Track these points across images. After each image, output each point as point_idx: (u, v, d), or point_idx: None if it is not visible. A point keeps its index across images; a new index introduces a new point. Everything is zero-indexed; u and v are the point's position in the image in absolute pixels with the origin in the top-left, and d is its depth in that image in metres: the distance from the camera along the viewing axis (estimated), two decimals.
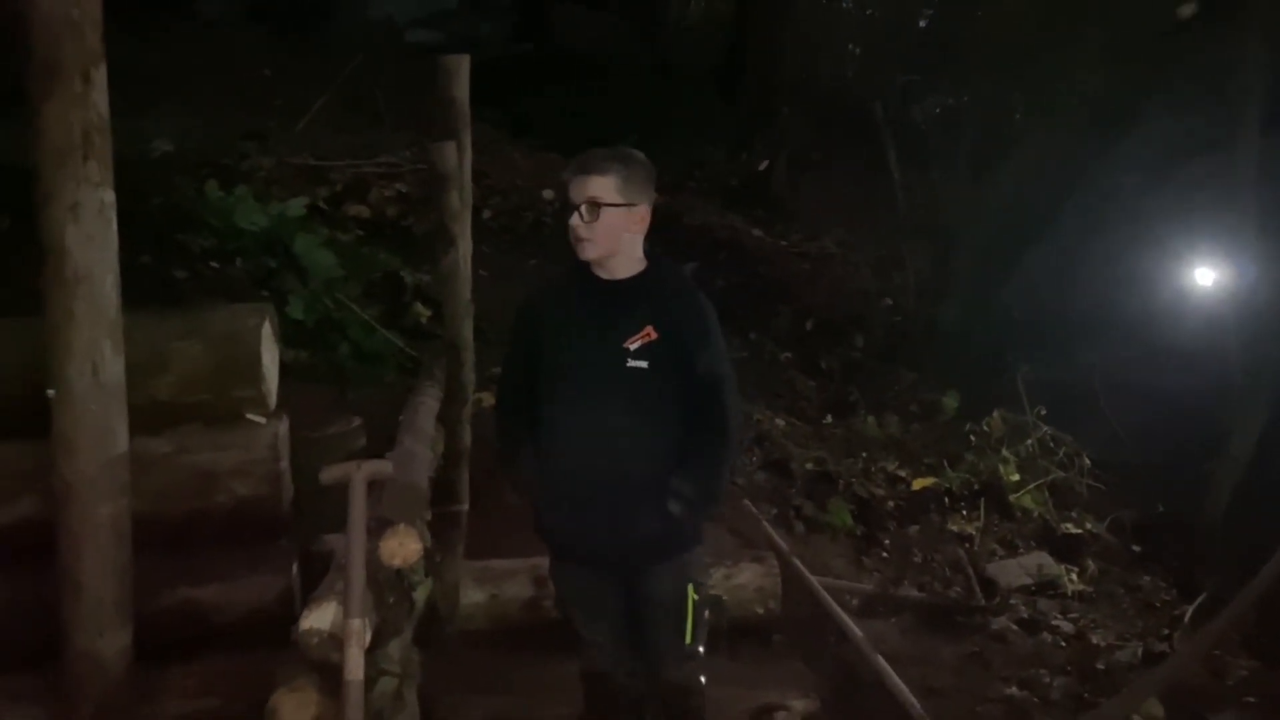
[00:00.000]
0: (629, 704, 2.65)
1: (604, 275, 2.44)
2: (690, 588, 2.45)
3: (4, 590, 2.52)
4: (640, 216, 2.41)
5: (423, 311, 4.49)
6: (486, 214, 5.86)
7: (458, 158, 3.08)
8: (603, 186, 2.37)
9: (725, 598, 3.44)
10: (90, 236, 2.32)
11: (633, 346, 2.36)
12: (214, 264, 4.09)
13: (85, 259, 2.32)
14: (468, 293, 3.26)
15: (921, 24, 8.99)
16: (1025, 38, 5.83)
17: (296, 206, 4.37)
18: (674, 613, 2.47)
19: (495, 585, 3.40)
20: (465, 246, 3.22)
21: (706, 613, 2.49)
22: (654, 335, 2.36)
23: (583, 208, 2.36)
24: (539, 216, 6.43)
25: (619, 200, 2.37)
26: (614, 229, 2.38)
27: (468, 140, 3.17)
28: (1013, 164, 5.54)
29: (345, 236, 4.75)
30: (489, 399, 4.49)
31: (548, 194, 6.65)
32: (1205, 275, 4.68)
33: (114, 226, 2.37)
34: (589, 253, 2.39)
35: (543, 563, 3.50)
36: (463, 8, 10.19)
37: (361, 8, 9.49)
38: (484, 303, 3.61)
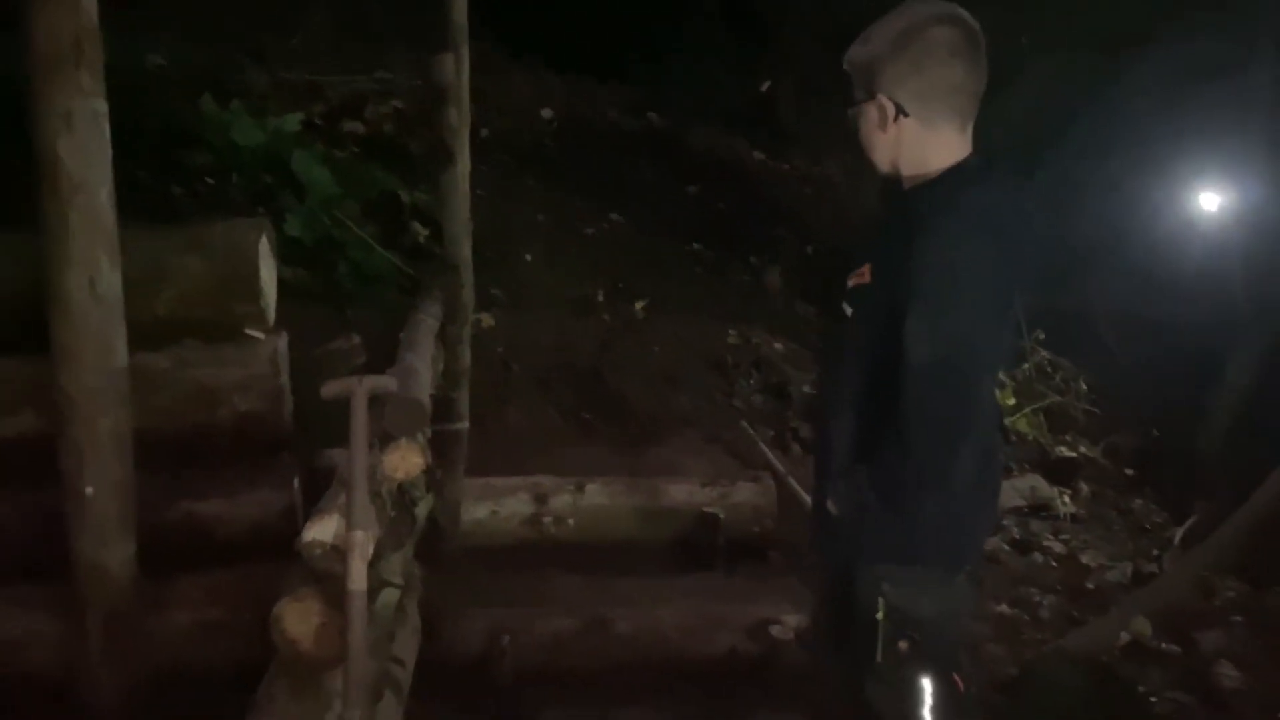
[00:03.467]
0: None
1: (902, 185, 1.92)
2: (880, 602, 1.89)
3: (10, 502, 2.55)
4: (880, 113, 1.83)
5: (421, 231, 4.45)
6: (485, 133, 5.77)
7: (456, 71, 3.01)
8: (850, 80, 1.88)
9: (722, 515, 3.49)
10: (84, 146, 2.29)
11: (850, 283, 1.88)
12: (210, 180, 4.05)
13: (79, 169, 2.30)
14: (466, 212, 3.22)
15: None
16: None
17: (293, 121, 4.30)
18: (865, 622, 1.93)
19: (496, 502, 3.44)
20: (464, 164, 3.17)
21: (905, 644, 1.87)
22: (867, 277, 1.85)
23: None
24: (539, 137, 6.34)
25: (860, 96, 1.87)
26: (865, 135, 1.88)
27: (465, 54, 3.09)
28: (1020, 89, 5.45)
29: (342, 154, 4.68)
30: (488, 320, 4.50)
31: (547, 114, 6.55)
32: (1211, 200, 4.64)
33: (107, 137, 2.34)
34: (875, 166, 1.92)
35: (544, 480, 3.56)
36: None
37: None
38: (482, 224, 3.58)
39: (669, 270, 5.42)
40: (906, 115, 1.82)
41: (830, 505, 1.90)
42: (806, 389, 4.56)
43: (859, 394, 1.86)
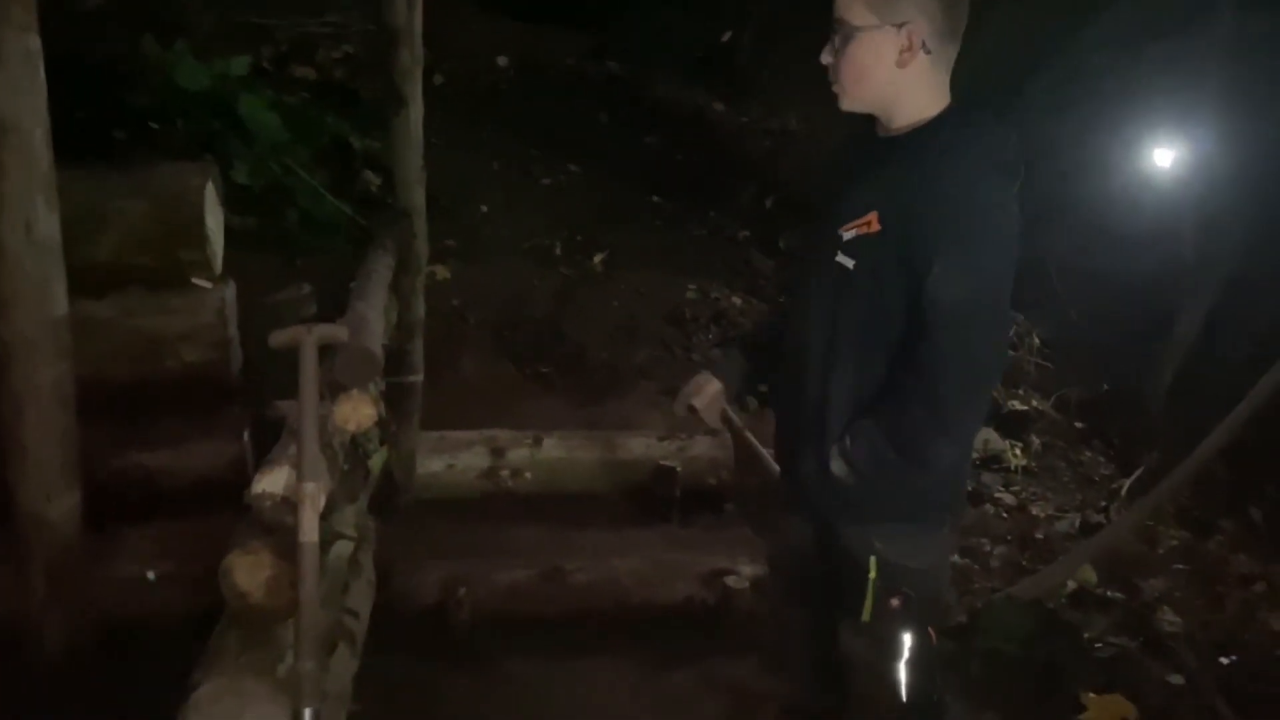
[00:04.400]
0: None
1: (881, 131, 1.79)
2: (872, 560, 1.84)
3: None
4: (908, 42, 1.68)
5: (373, 179, 4.36)
6: (439, 79, 5.65)
7: (408, 12, 2.93)
8: (850, 2, 1.69)
9: (679, 468, 3.49)
10: (16, 85, 2.20)
11: (846, 235, 1.74)
12: (154, 124, 3.92)
13: (12, 108, 2.21)
14: (419, 159, 3.15)
15: None
16: None
17: (240, 65, 4.16)
18: (851, 580, 1.87)
19: (452, 455, 3.41)
20: (417, 110, 3.09)
21: (898, 600, 1.84)
22: (874, 226, 1.71)
23: (833, 36, 1.73)
24: (495, 84, 6.22)
25: (870, 21, 1.68)
26: (864, 65, 1.70)
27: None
28: (976, 41, 5.42)
29: (291, 99, 4.56)
30: (443, 271, 4.43)
31: (502, 60, 6.42)
32: (1164, 156, 4.68)
33: (42, 75, 2.24)
34: (843, 102, 1.76)
35: (500, 433, 3.53)
36: None
37: None
38: (436, 171, 3.50)
39: (628, 222, 5.37)
40: (928, 52, 1.70)
41: (835, 467, 1.79)
42: None
43: (865, 347, 1.77)
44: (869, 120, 1.81)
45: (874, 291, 1.73)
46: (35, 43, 2.19)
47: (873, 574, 1.84)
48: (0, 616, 2.43)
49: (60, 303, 2.32)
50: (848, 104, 1.77)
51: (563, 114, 6.09)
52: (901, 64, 1.70)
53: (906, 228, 1.68)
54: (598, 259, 5.00)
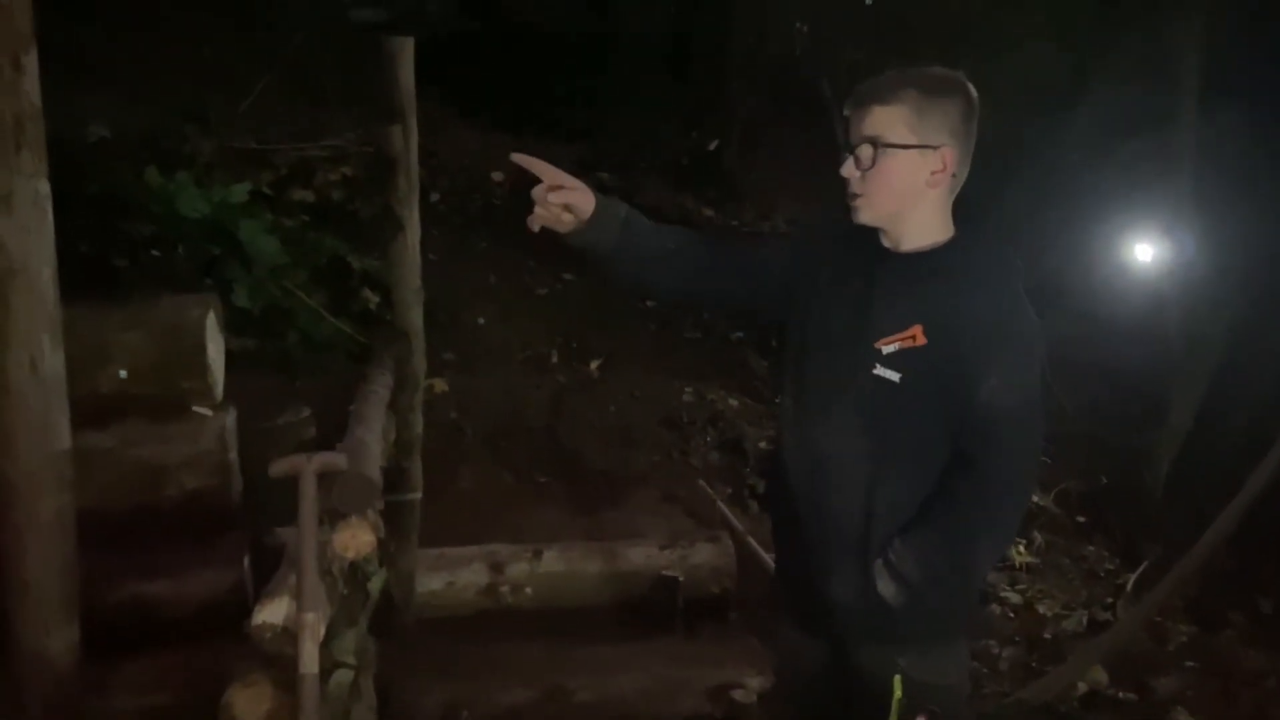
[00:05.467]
0: None
1: (887, 243, 1.82)
2: (897, 680, 1.70)
3: None
4: (942, 164, 1.74)
5: (371, 297, 4.43)
6: (435, 196, 5.81)
7: (404, 141, 3.03)
8: (888, 121, 1.73)
9: (681, 578, 3.47)
10: (25, 228, 2.26)
11: (886, 349, 1.74)
12: (155, 252, 4.00)
13: (20, 251, 2.26)
14: (417, 278, 3.23)
15: (867, 1, 9.03)
16: (968, 14, 5.88)
17: (240, 191, 4.28)
18: (871, 701, 1.79)
19: (451, 572, 3.39)
20: (414, 231, 3.18)
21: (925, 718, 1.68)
22: (919, 340, 1.73)
23: (858, 150, 1.75)
24: (489, 199, 6.38)
25: (910, 140, 1.72)
26: (900, 182, 1.74)
27: (414, 123, 3.12)
28: None
29: (290, 222, 4.66)
30: (440, 385, 4.48)
31: (497, 176, 6.60)
32: (1145, 251, 4.78)
33: (50, 217, 2.31)
34: (863, 214, 1.78)
35: (499, 548, 3.52)
36: None
37: None
38: (433, 288, 3.58)
39: (622, 328, 5.45)
40: (954, 175, 1.77)
41: (882, 585, 1.76)
42: (763, 445, 4.58)
43: (911, 461, 1.76)
44: (858, 226, 1.83)
45: (922, 403, 1.73)
46: (44, 187, 2.27)
47: (898, 694, 1.73)
48: None
49: (63, 436, 2.34)
50: (868, 217, 1.80)
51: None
52: (932, 184, 1.76)
53: (955, 344, 1.72)
54: (593, 365, 5.05)
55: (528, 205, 1.85)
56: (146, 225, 4.06)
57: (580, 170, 6.52)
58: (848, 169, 1.78)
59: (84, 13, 6.20)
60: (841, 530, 1.81)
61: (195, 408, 2.62)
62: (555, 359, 5.06)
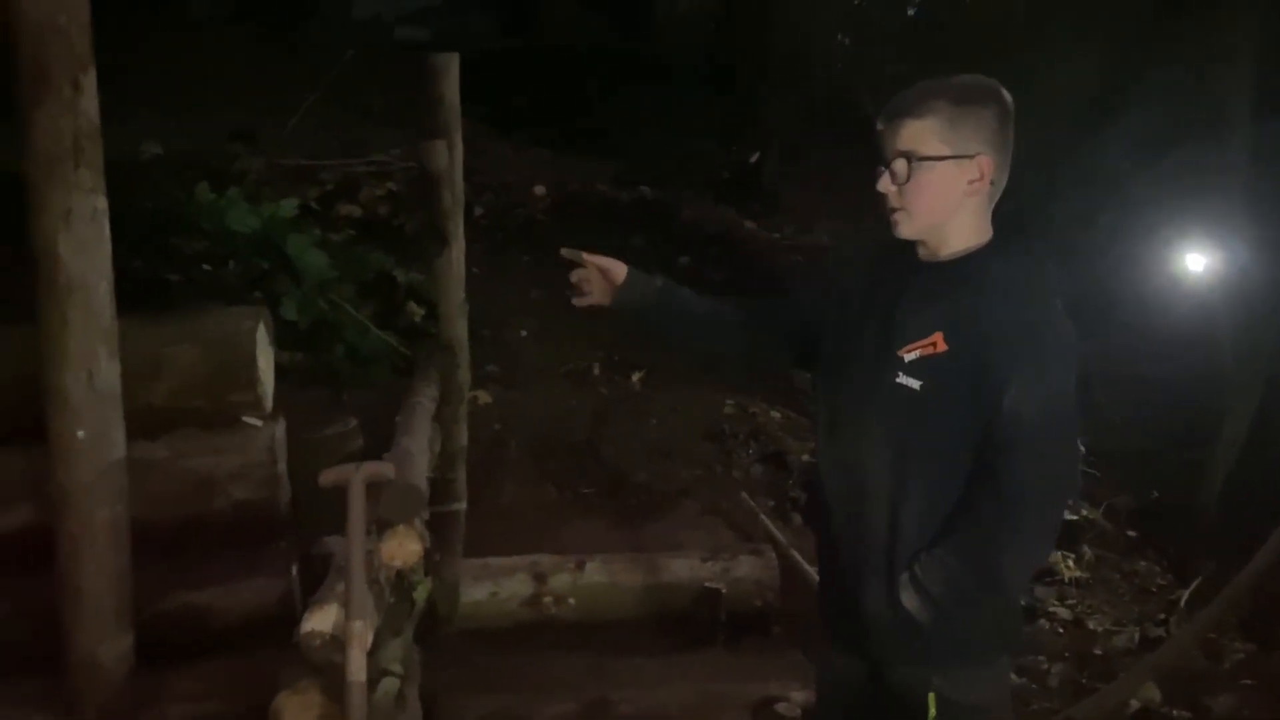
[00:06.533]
0: None
1: (924, 255, 1.81)
2: (931, 698, 1.77)
3: (7, 596, 2.52)
4: (979, 173, 1.73)
5: (416, 311, 4.49)
6: (478, 211, 5.86)
7: (448, 157, 3.08)
8: (921, 134, 1.73)
9: (724, 590, 3.46)
10: (83, 244, 2.32)
11: (908, 357, 1.73)
12: (206, 267, 4.08)
13: (78, 266, 2.32)
14: (461, 292, 3.26)
15: (910, 12, 8.99)
16: (1012, 24, 5.83)
17: (288, 207, 4.36)
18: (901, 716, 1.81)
19: (494, 583, 3.41)
20: (458, 245, 3.22)
21: None
22: (940, 347, 1.71)
23: (893, 164, 1.75)
24: (531, 213, 6.43)
25: (944, 151, 1.72)
26: (937, 193, 1.74)
27: (458, 139, 3.16)
28: None
29: (337, 236, 4.75)
30: (484, 398, 4.51)
31: (539, 190, 6.65)
32: (1196, 261, 4.70)
33: (106, 233, 2.37)
34: (903, 228, 1.78)
35: (543, 559, 3.53)
36: (450, 4, 10.17)
37: (349, 5, 9.46)
38: (477, 301, 3.62)
39: (664, 341, 5.45)
40: (992, 183, 1.76)
41: (906, 599, 1.73)
42: (806, 458, 4.56)
43: (935, 471, 1.74)
44: (896, 241, 1.84)
45: (943, 412, 1.72)
46: (102, 203, 2.33)
47: (932, 713, 1.76)
48: None
49: (118, 447, 2.39)
50: (909, 231, 1.80)
51: (598, 238, 6.23)
52: (970, 193, 1.75)
53: (976, 351, 1.69)
54: (635, 378, 5.06)
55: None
56: (198, 241, 4.15)
57: (621, 185, 6.56)
58: (884, 184, 1.78)
59: (138, 35, 6.37)
60: (870, 543, 1.80)
61: (245, 419, 2.67)
62: (597, 372, 5.08)
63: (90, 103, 2.32)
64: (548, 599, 3.42)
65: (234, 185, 4.51)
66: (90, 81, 2.32)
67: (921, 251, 1.83)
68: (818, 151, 8.32)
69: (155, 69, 6.38)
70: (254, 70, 7.11)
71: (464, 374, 3.28)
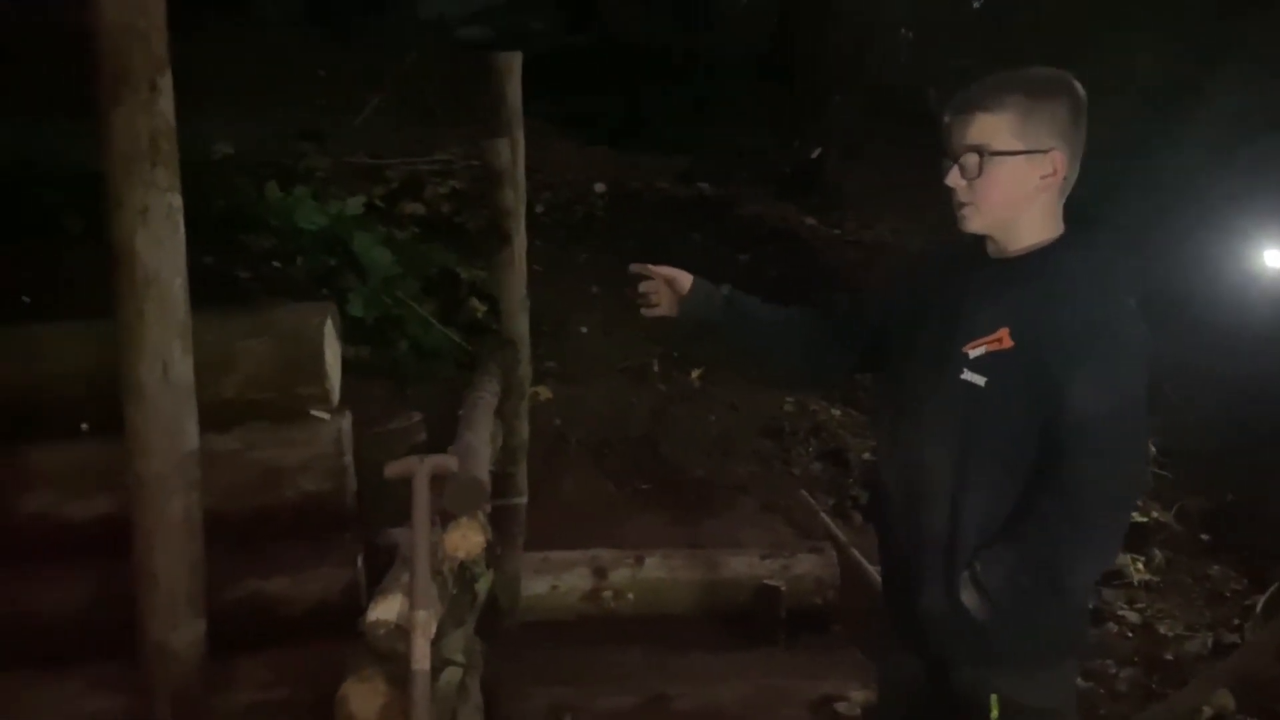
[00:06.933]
0: None
1: (993, 251, 1.79)
2: (993, 699, 1.75)
3: (86, 583, 2.61)
4: (1052, 168, 1.70)
5: (478, 307, 4.54)
6: (539, 209, 5.90)
7: (511, 155, 3.11)
8: (993, 128, 1.70)
9: (783, 588, 3.45)
10: (159, 240, 2.38)
11: (973, 353, 1.71)
12: (275, 263, 4.18)
13: (154, 262, 2.39)
14: (523, 288, 3.30)
15: (975, 5, 8.85)
16: (1081, 17, 5.71)
17: (355, 205, 4.45)
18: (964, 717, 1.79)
19: (555, 576, 3.44)
20: (520, 243, 3.26)
21: None
22: (1006, 343, 1.69)
23: (963, 159, 1.72)
24: (591, 210, 6.46)
25: (1017, 146, 1.70)
26: (1009, 189, 1.71)
27: (520, 137, 3.20)
28: None
29: (401, 234, 4.82)
30: (544, 393, 4.55)
31: (599, 187, 6.68)
32: (1275, 257, 4.56)
33: (181, 230, 2.43)
34: (971, 223, 1.75)
35: (603, 554, 3.55)
36: (513, 3, 10.26)
37: (413, 5, 9.60)
38: (538, 297, 3.65)
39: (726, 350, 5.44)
40: (1065, 177, 1.74)
41: (966, 597, 1.71)
42: (867, 456, 4.52)
43: (998, 469, 1.71)
44: (964, 236, 1.82)
45: (1008, 409, 1.69)
46: (177, 200, 2.39)
47: (994, 714, 1.74)
48: None
49: (192, 439, 2.45)
50: (977, 226, 1.77)
51: (657, 235, 6.27)
52: (1042, 189, 1.73)
53: (1042, 347, 1.67)
54: (694, 375, 5.06)
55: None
56: (267, 238, 4.24)
57: (680, 182, 6.57)
58: (953, 178, 1.75)
59: (209, 36, 6.53)
60: (930, 541, 1.78)
61: (313, 412, 2.72)
62: (656, 368, 5.08)
63: (166, 103, 2.38)
64: (607, 593, 3.44)
65: (302, 184, 4.61)
66: (166, 82, 2.38)
67: (990, 247, 1.80)
68: (879, 146, 8.23)
69: (225, 70, 6.54)
70: (321, 70, 7.25)
71: (525, 369, 3.32)
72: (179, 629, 2.47)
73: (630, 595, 3.46)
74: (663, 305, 2.08)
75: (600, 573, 3.47)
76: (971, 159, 1.72)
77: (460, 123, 6.02)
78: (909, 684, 1.93)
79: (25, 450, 2.56)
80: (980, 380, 1.71)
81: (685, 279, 2.06)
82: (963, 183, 1.74)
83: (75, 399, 2.58)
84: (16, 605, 2.57)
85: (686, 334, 2.00)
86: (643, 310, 2.11)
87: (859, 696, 2.99)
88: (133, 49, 2.33)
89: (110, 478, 2.52)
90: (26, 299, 3.69)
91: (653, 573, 3.50)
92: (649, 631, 3.44)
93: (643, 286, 2.09)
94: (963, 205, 1.76)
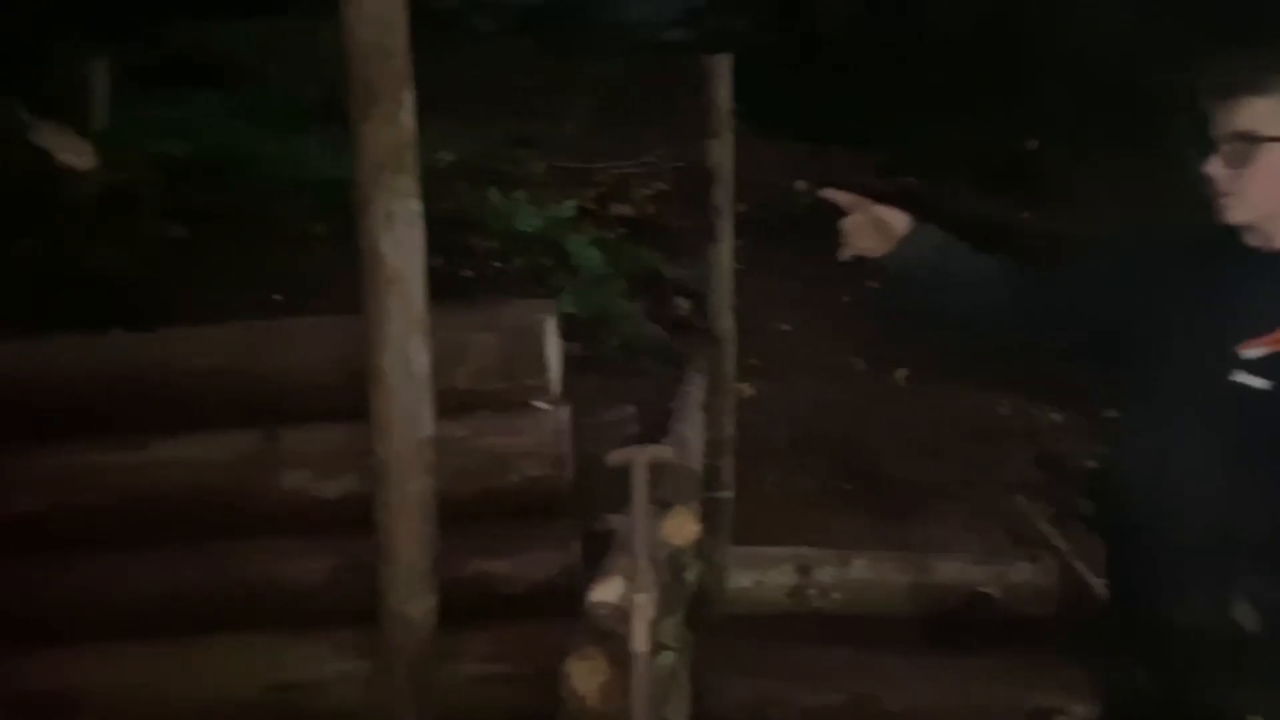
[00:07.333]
0: None
1: (1255, 242, 1.67)
2: None
3: (331, 555, 2.85)
4: None
5: (683, 304, 4.63)
6: (741, 208, 5.94)
7: (720, 156, 3.16)
8: (1264, 112, 1.59)
9: (998, 596, 3.34)
10: (401, 242, 2.58)
11: (1250, 354, 1.61)
12: (496, 263, 4.42)
13: (397, 262, 2.58)
14: (729, 288, 3.35)
15: None
16: None
17: (568, 208, 4.65)
18: None
19: (760, 571, 3.47)
20: (727, 242, 3.31)
21: None
22: None
23: (1228, 146, 1.62)
24: (792, 208, 6.45)
25: None
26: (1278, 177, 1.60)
27: (730, 138, 3.24)
28: None
29: (610, 235, 4.99)
30: (747, 390, 4.58)
31: (800, 185, 6.65)
32: None
33: (420, 233, 2.62)
34: (1234, 213, 1.64)
35: (809, 551, 3.55)
36: (713, 4, 10.35)
37: (619, 11, 9.86)
38: (741, 294, 3.68)
39: (931, 336, 5.30)
40: None
41: (1240, 613, 1.61)
42: (1091, 464, 4.29)
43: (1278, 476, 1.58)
44: (1213, 228, 1.69)
45: None
46: (417, 205, 2.57)
47: None
48: (362, 704, 2.74)
49: (427, 425, 2.64)
50: (1241, 217, 1.65)
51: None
52: None
53: None
54: (900, 374, 4.96)
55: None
56: (489, 240, 4.50)
57: (884, 176, 6.47)
58: (1215, 167, 1.63)
59: (432, 49, 6.96)
60: (1194, 554, 1.65)
61: (535, 403, 2.85)
62: (861, 366, 5.02)
63: (409, 116, 2.58)
64: (812, 591, 3.43)
65: (519, 188, 4.85)
66: (409, 97, 2.57)
67: (1250, 238, 1.67)
68: (1100, 137, 7.78)
69: (444, 81, 6.94)
70: (534, 78, 7.58)
71: (731, 366, 3.36)
72: (414, 601, 2.66)
73: (836, 595, 3.44)
74: (868, 245, 1.89)
75: (806, 570, 3.47)
76: (1238, 146, 1.60)
77: (665, 125, 6.14)
78: (1139, 701, 1.82)
79: (282, 433, 2.82)
80: (1261, 383, 1.59)
81: (901, 220, 1.88)
82: (1226, 172, 1.62)
83: (325, 387, 2.82)
84: (273, 572, 2.83)
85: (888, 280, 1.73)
86: (839, 252, 1.92)
87: (1080, 711, 2.86)
88: (381, 67, 2.53)
89: (355, 459, 2.74)
90: (278, 296, 4.07)
91: (860, 573, 3.47)
92: (854, 631, 3.41)
93: (847, 222, 1.90)
94: (1225, 195, 1.64)
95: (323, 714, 2.75)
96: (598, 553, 2.48)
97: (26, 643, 2.72)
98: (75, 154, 4.20)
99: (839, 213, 1.89)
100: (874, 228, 1.90)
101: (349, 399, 2.71)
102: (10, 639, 2.70)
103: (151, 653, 2.77)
